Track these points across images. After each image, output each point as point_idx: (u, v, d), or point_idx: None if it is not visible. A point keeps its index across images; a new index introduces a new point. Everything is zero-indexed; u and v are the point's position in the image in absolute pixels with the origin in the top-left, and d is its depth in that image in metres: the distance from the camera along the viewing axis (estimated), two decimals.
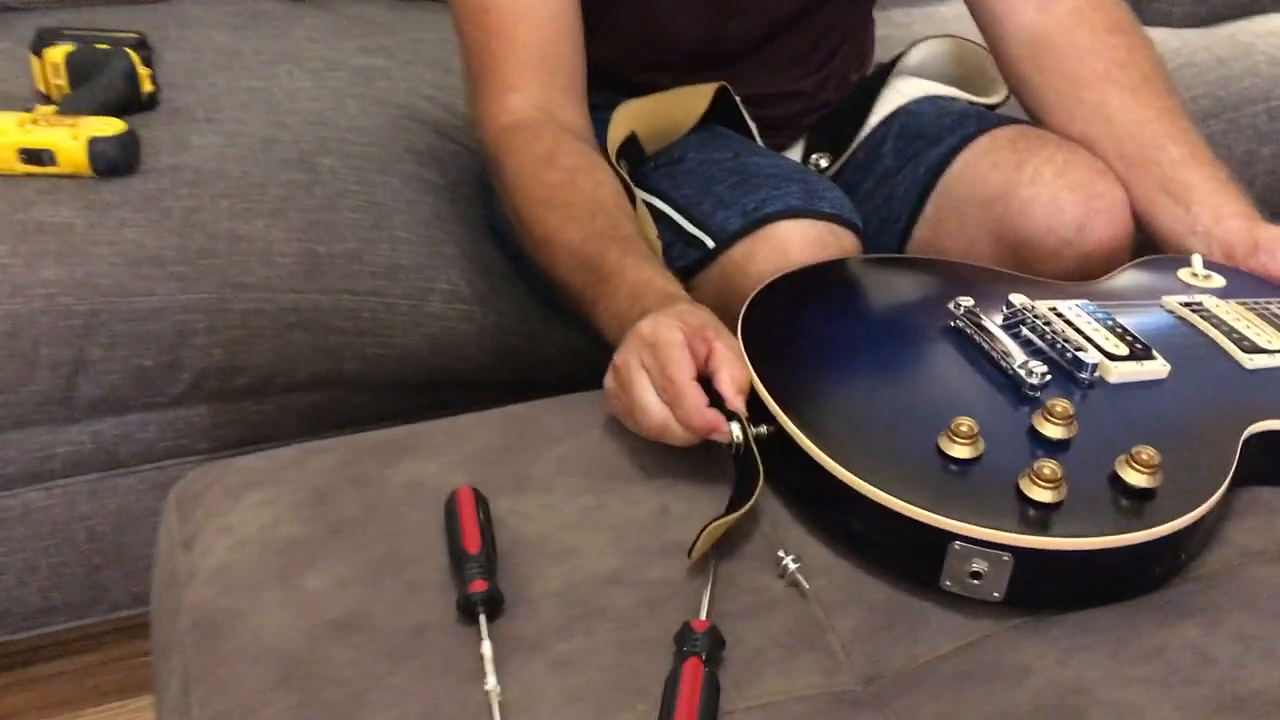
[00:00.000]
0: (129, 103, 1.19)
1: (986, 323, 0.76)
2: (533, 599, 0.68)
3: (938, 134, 1.01)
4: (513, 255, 1.16)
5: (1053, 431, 0.68)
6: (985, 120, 1.00)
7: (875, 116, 1.07)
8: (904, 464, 0.67)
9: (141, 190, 1.10)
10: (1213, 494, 0.66)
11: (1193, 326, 0.81)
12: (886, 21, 1.37)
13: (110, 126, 1.10)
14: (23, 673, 1.20)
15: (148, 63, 1.22)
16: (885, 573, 0.69)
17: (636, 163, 1.00)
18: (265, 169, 1.16)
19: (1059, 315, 0.78)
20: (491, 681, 0.62)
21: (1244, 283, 0.87)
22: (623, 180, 0.92)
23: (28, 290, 1.02)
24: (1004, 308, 0.79)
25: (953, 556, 0.64)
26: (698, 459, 0.74)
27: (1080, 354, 0.74)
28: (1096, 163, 0.94)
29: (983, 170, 0.96)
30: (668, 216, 0.95)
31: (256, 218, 1.11)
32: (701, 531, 0.68)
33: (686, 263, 0.92)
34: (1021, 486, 0.65)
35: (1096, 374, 0.73)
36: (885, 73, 1.09)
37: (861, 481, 0.65)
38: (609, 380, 0.75)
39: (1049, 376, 0.72)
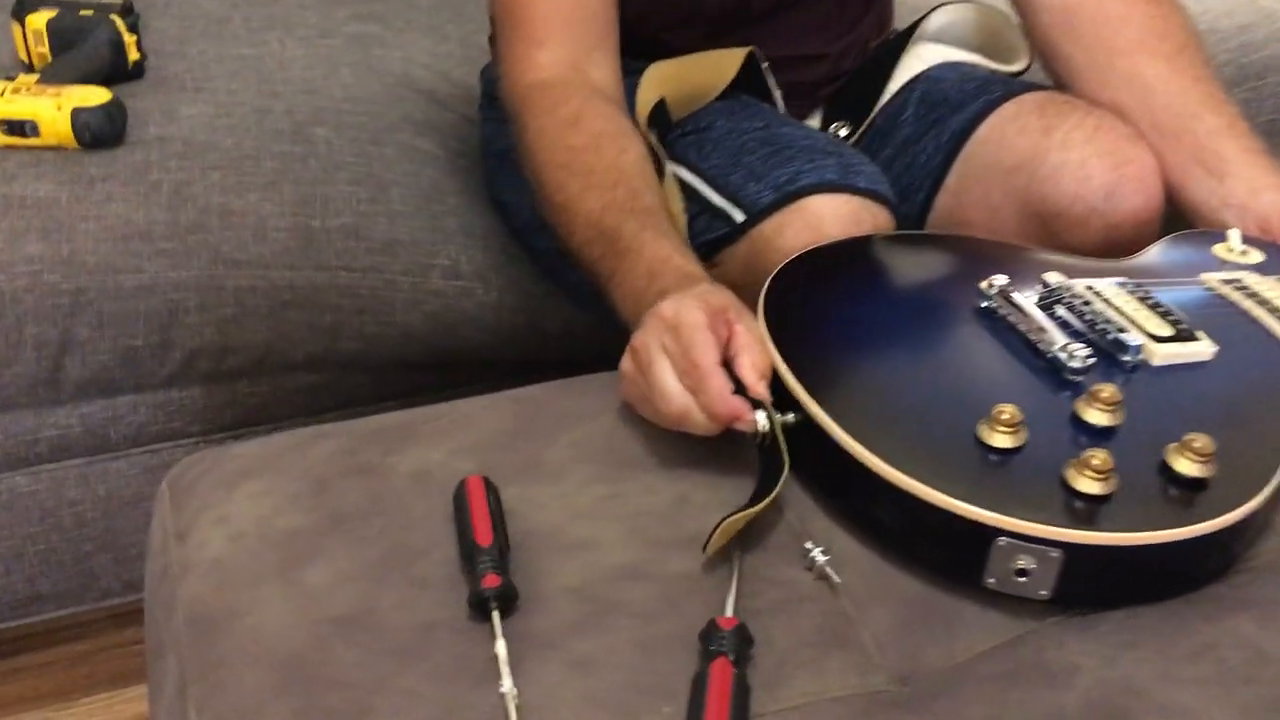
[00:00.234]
0: (114, 71, 1.16)
1: (1022, 302, 0.73)
2: (547, 594, 0.64)
3: (961, 100, 0.98)
4: (518, 228, 1.13)
5: (1098, 418, 0.65)
6: (1011, 86, 0.97)
7: (895, 83, 1.04)
8: (942, 454, 0.63)
9: (128, 163, 1.07)
10: (1269, 482, 0.63)
11: (1235, 305, 0.77)
12: None
13: (95, 96, 1.07)
14: (11, 662, 1.18)
15: (134, 29, 1.18)
16: (921, 569, 0.65)
17: (664, 130, 0.97)
18: (257, 140, 1.13)
19: (1097, 294, 0.74)
20: (508, 684, 0.58)
21: None
22: (652, 149, 0.88)
23: (10, 268, 0.99)
24: (1039, 286, 0.75)
25: (997, 553, 0.61)
26: (718, 445, 0.71)
27: (1123, 335, 0.70)
28: (1127, 129, 0.91)
29: (1009, 136, 0.93)
30: (693, 188, 0.92)
31: (249, 191, 1.08)
32: (717, 526, 0.64)
33: (713, 236, 0.88)
34: (1068, 478, 0.62)
35: (1140, 356, 0.70)
36: (904, 39, 1.06)
37: (898, 473, 0.62)
38: (626, 363, 0.72)
39: (1092, 360, 0.68)
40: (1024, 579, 0.61)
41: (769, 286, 0.75)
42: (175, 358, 1.05)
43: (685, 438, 0.70)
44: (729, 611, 0.62)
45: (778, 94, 1.01)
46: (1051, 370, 0.69)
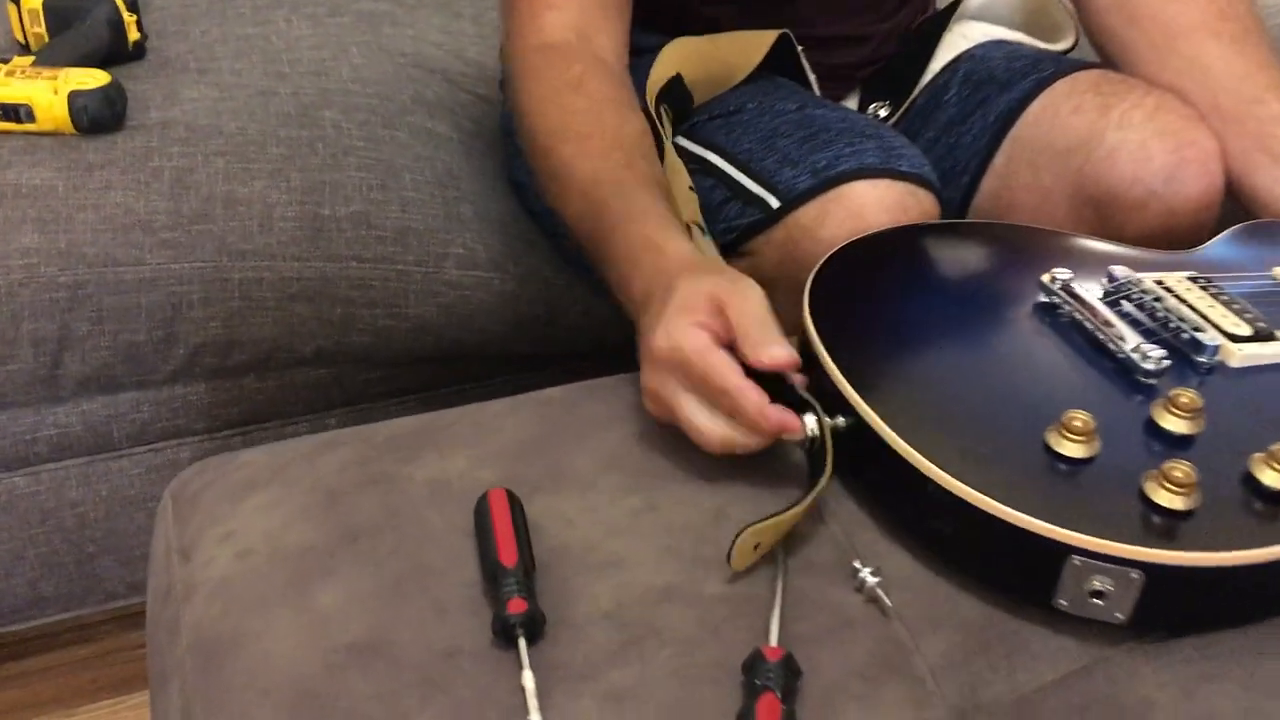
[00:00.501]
0: (114, 53, 1.12)
1: (1088, 298, 0.68)
2: (577, 619, 0.60)
3: (1009, 78, 0.93)
4: (537, 213, 1.08)
5: (1176, 426, 0.60)
6: (1062, 64, 0.92)
7: (937, 63, 0.98)
8: (1008, 464, 0.59)
9: (128, 149, 1.03)
10: None
11: None
12: None
13: (93, 79, 1.03)
14: (12, 667, 1.14)
15: (134, 8, 1.14)
16: (982, 588, 0.61)
17: (683, 110, 0.92)
18: (263, 124, 1.09)
19: (1168, 289, 0.69)
20: (536, 719, 0.54)
21: None
22: (654, 128, 0.84)
23: (5, 260, 0.95)
24: (1104, 280, 0.70)
25: (1070, 573, 0.56)
26: (759, 452, 0.66)
27: (1199, 335, 0.65)
28: (1189, 109, 0.86)
29: (1062, 115, 0.88)
30: (724, 173, 0.87)
31: (254, 178, 1.04)
32: (738, 535, 0.60)
33: (745, 223, 0.84)
34: (1147, 491, 0.57)
35: (1217, 358, 0.65)
36: (945, 17, 1.00)
37: (961, 484, 0.57)
38: (649, 405, 0.67)
39: (1167, 362, 0.64)
40: (1099, 601, 0.57)
41: (813, 281, 0.70)
42: (179, 353, 1.01)
43: None
44: (773, 639, 0.58)
45: (813, 77, 0.96)
46: (1123, 372, 0.65)
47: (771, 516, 0.61)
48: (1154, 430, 0.61)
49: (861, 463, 0.64)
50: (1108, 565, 0.55)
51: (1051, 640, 0.59)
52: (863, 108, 1.00)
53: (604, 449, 0.70)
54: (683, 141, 0.90)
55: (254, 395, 1.07)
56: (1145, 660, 0.58)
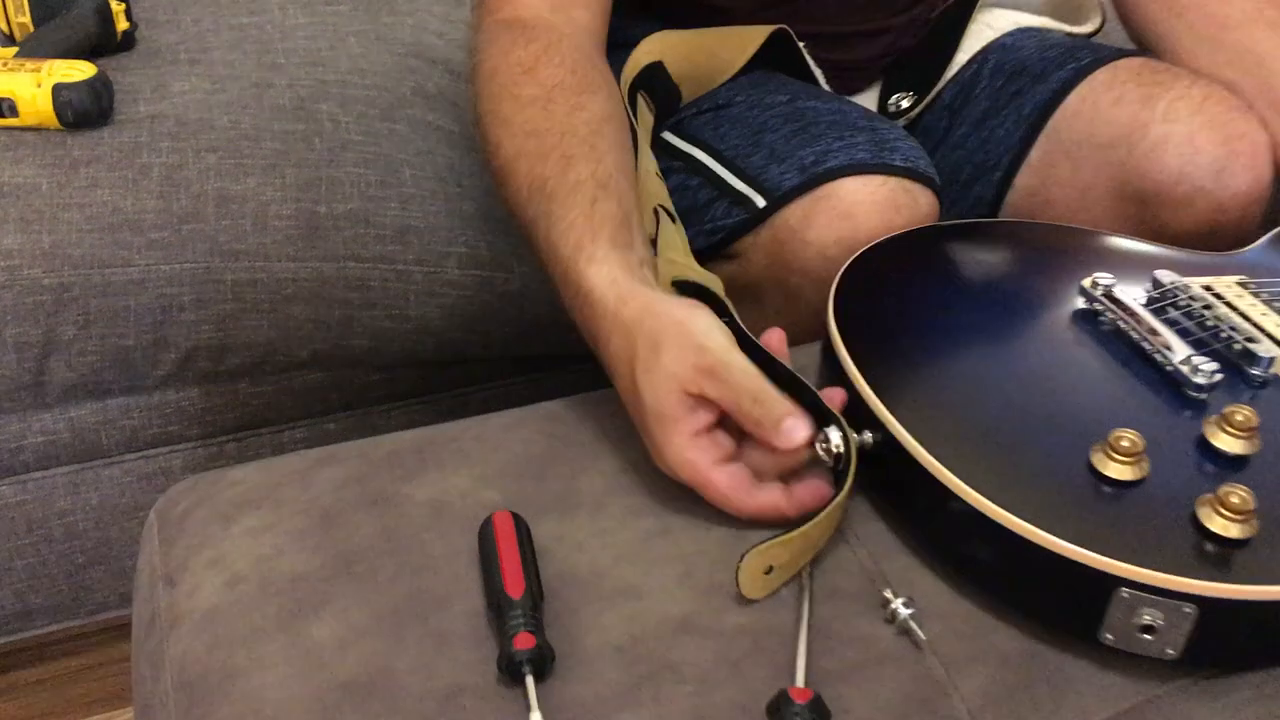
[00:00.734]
0: (101, 43, 1.08)
1: (1132, 305, 0.64)
2: (588, 654, 0.56)
3: (1042, 68, 0.88)
4: None
5: (1231, 445, 0.57)
6: (1099, 51, 0.88)
7: (963, 54, 0.94)
8: (1050, 487, 0.55)
9: (115, 144, 0.99)
10: None
11: None
12: None
13: (79, 71, 0.99)
14: (1, 680, 1.10)
15: None
16: (1022, 621, 0.57)
17: (667, 100, 0.87)
18: (257, 118, 1.05)
19: (1217, 296, 0.66)
20: None
21: None
22: (631, 112, 0.79)
23: None
24: (1149, 286, 0.67)
25: (1118, 606, 0.52)
26: None
27: (1252, 345, 0.61)
28: (1236, 99, 0.82)
29: (1103, 107, 0.84)
30: (710, 170, 0.83)
31: (247, 175, 1.00)
32: (742, 559, 0.57)
33: (732, 222, 0.79)
34: (1200, 517, 0.53)
35: (1272, 370, 0.61)
36: (969, 3, 0.95)
37: (999, 509, 0.54)
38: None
39: (1219, 375, 0.60)
40: (1149, 636, 0.53)
41: (839, 286, 0.67)
42: (170, 358, 0.98)
43: None
44: (800, 678, 0.54)
45: (819, 72, 0.91)
46: (1171, 386, 0.61)
47: (778, 535, 0.57)
48: (1207, 450, 0.57)
49: (891, 483, 0.60)
50: (1158, 598, 0.52)
51: (1098, 677, 0.55)
52: (885, 98, 0.95)
53: (614, 467, 0.66)
54: (670, 137, 0.86)
55: (249, 400, 1.04)
56: (1199, 701, 0.54)
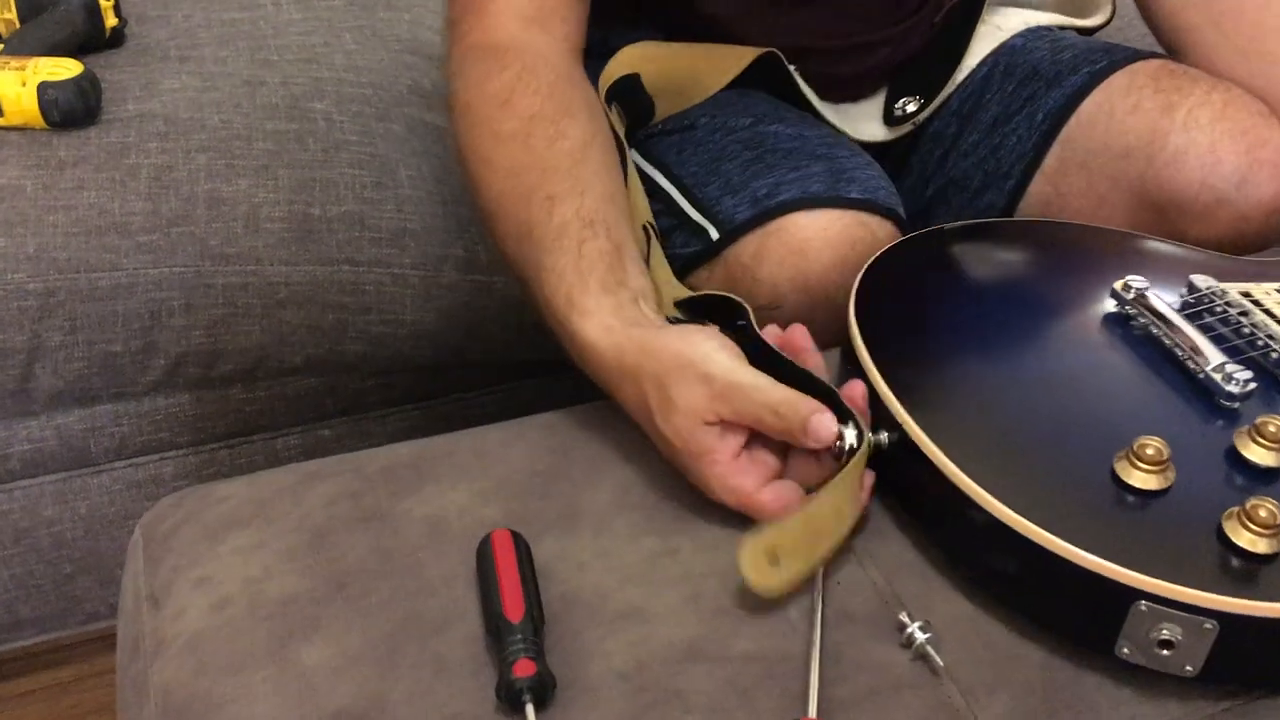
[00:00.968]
0: (89, 40, 1.07)
1: (1166, 310, 0.63)
2: (591, 681, 0.54)
3: (1056, 73, 0.86)
4: None
5: (1262, 457, 0.55)
6: (1114, 55, 0.86)
7: (972, 57, 0.92)
8: (1071, 494, 0.54)
9: (102, 145, 0.98)
10: None
11: None
12: None
13: (65, 69, 0.98)
14: None
15: None
16: (1039, 637, 0.55)
17: (640, 117, 0.84)
18: (248, 117, 1.03)
19: (1255, 302, 0.64)
20: None
21: None
22: (617, 127, 0.77)
23: None
24: (1184, 291, 0.65)
25: (1136, 619, 0.51)
26: None
27: None
28: (1258, 104, 0.80)
29: (1120, 114, 0.82)
30: (670, 197, 0.80)
31: (239, 176, 0.99)
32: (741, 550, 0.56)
33: (688, 253, 0.77)
34: (1227, 530, 0.52)
35: None
36: (976, 5, 0.93)
37: (1016, 515, 0.53)
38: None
39: (1253, 385, 0.58)
40: (1167, 652, 0.51)
41: (859, 286, 0.65)
42: (159, 364, 0.96)
43: None
44: (812, 708, 0.52)
45: (809, 91, 0.88)
46: (1202, 394, 0.59)
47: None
48: (1236, 461, 0.56)
49: (908, 487, 0.59)
50: (1178, 613, 0.50)
51: (1123, 702, 0.53)
52: (891, 103, 0.93)
53: (618, 483, 0.64)
54: (635, 157, 0.83)
55: (241, 406, 1.02)
56: None
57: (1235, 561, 0.51)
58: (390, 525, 0.62)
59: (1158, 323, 0.62)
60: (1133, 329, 0.64)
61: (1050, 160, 0.85)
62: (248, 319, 0.96)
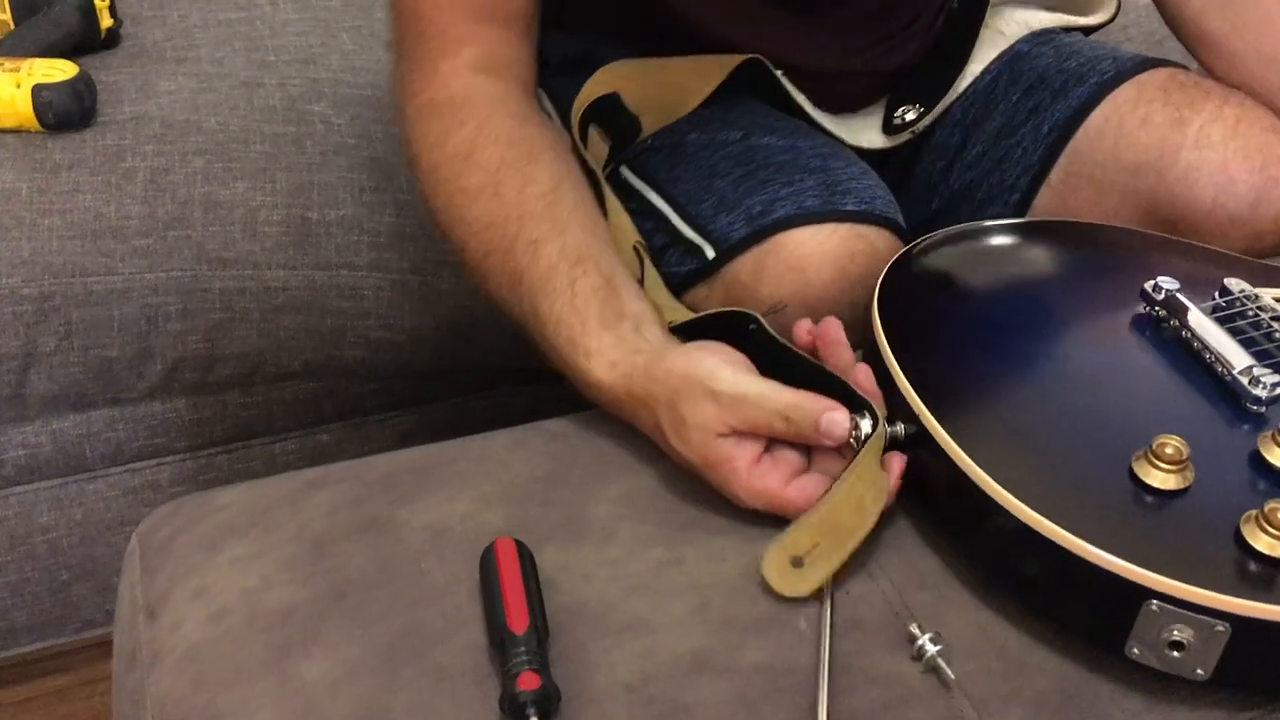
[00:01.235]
0: (84, 41, 1.07)
1: (1195, 312, 0.62)
2: (597, 693, 0.53)
3: (1063, 82, 0.85)
4: None
5: None
6: (1123, 63, 0.84)
7: (976, 64, 0.90)
8: (1087, 492, 0.54)
9: (98, 148, 0.98)
10: None
11: None
12: None
13: (60, 70, 0.98)
14: None
15: None
16: (1051, 644, 0.55)
17: (626, 134, 0.83)
18: (245, 120, 1.03)
19: None
20: None
21: None
22: (582, 146, 0.76)
23: None
24: (1215, 294, 0.65)
25: (1147, 619, 0.51)
26: None
27: None
28: (1272, 117, 0.79)
29: (1129, 128, 0.80)
30: (663, 215, 0.79)
31: (236, 179, 0.99)
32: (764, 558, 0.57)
33: (685, 271, 0.76)
34: (1245, 533, 0.51)
35: None
36: (977, 12, 0.91)
37: (1029, 509, 0.52)
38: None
39: None
40: (1178, 654, 0.51)
41: (884, 279, 0.65)
42: (156, 369, 0.96)
43: None
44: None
45: (801, 98, 0.86)
46: (1229, 397, 0.59)
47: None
48: (1259, 465, 0.55)
49: (923, 482, 0.59)
50: (1190, 614, 0.50)
51: (1141, 712, 0.52)
52: (891, 111, 0.91)
53: (623, 491, 0.63)
54: (627, 174, 0.82)
55: (239, 411, 1.02)
56: None
57: (1252, 564, 0.51)
58: (391, 534, 0.61)
59: (1186, 324, 0.62)
60: (1161, 330, 0.64)
61: (1057, 173, 0.84)
62: (245, 324, 0.96)
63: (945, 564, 0.58)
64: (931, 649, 0.54)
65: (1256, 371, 0.58)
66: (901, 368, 0.60)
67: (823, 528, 0.56)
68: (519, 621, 0.54)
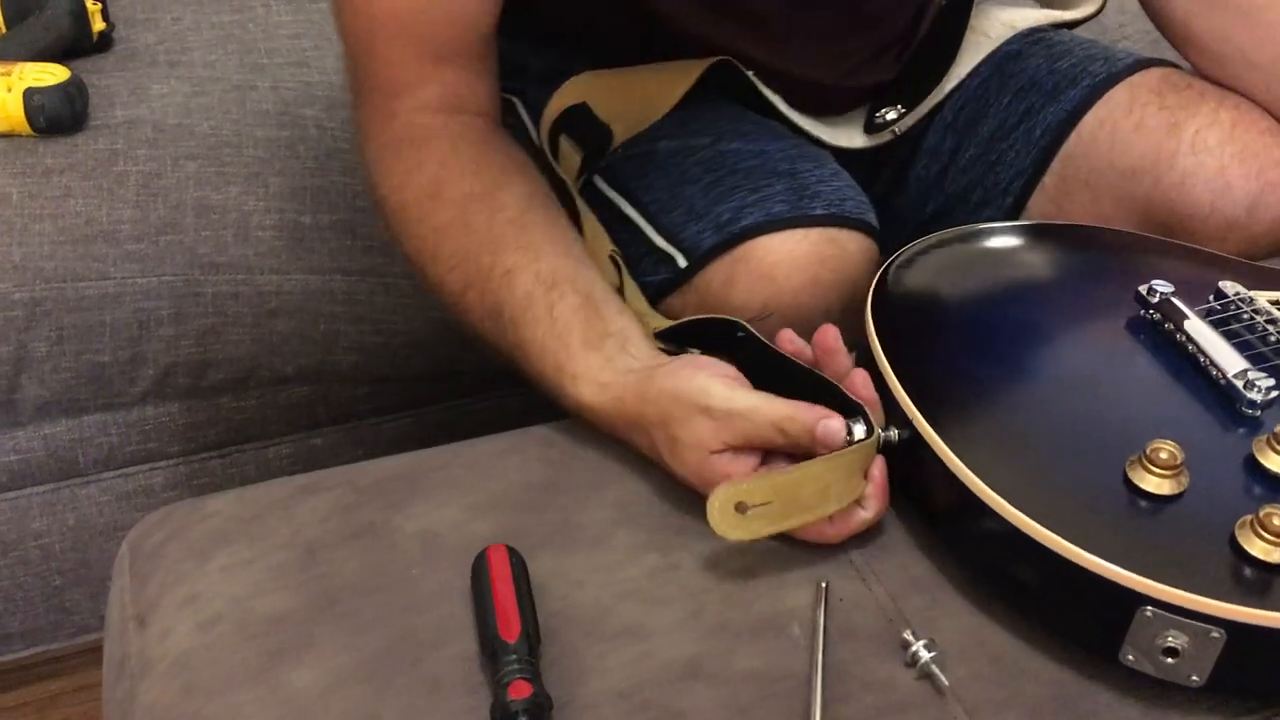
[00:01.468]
0: (76, 45, 1.06)
1: (1191, 316, 0.62)
2: (589, 700, 0.53)
3: (1054, 85, 0.84)
4: None
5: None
6: (1113, 63, 0.83)
7: (962, 66, 0.89)
8: (1081, 497, 0.54)
9: (90, 152, 0.97)
10: None
11: None
12: None
13: (51, 74, 0.97)
14: None
15: None
16: (1046, 650, 0.54)
17: (598, 144, 0.82)
18: (238, 124, 1.03)
19: None
20: None
21: None
22: (553, 159, 0.76)
23: None
24: (1210, 297, 0.65)
25: (1141, 625, 0.50)
26: None
27: None
28: (1268, 119, 0.78)
29: (1123, 133, 0.80)
30: (636, 225, 0.78)
31: (229, 184, 0.98)
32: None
33: (658, 281, 0.76)
34: (1239, 538, 0.51)
35: None
36: (961, 17, 0.89)
37: (1021, 514, 0.52)
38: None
39: (1276, 393, 0.57)
40: (1172, 660, 0.51)
41: (878, 281, 0.65)
42: (148, 374, 0.95)
43: None
44: None
45: (777, 100, 0.84)
46: (1224, 402, 0.59)
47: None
48: (1254, 470, 0.55)
49: (917, 487, 0.59)
50: (1185, 620, 0.50)
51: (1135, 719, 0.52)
52: (872, 112, 0.90)
53: (616, 497, 0.63)
54: (600, 184, 0.81)
55: (232, 416, 1.01)
56: None
57: (1246, 570, 0.51)
58: (382, 541, 0.61)
59: (1181, 327, 0.62)
60: (1156, 334, 0.63)
61: (1050, 179, 0.84)
62: (238, 329, 0.96)
63: (939, 570, 0.58)
64: (925, 655, 0.53)
65: (1251, 375, 0.58)
66: (895, 372, 0.60)
67: (781, 492, 0.56)
68: (510, 630, 0.54)
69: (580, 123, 0.80)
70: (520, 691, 0.51)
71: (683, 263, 0.74)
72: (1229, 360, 0.59)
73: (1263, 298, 0.65)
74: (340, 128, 1.04)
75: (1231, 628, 0.49)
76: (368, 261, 0.98)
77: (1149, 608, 0.50)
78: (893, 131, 0.88)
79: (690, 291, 0.74)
